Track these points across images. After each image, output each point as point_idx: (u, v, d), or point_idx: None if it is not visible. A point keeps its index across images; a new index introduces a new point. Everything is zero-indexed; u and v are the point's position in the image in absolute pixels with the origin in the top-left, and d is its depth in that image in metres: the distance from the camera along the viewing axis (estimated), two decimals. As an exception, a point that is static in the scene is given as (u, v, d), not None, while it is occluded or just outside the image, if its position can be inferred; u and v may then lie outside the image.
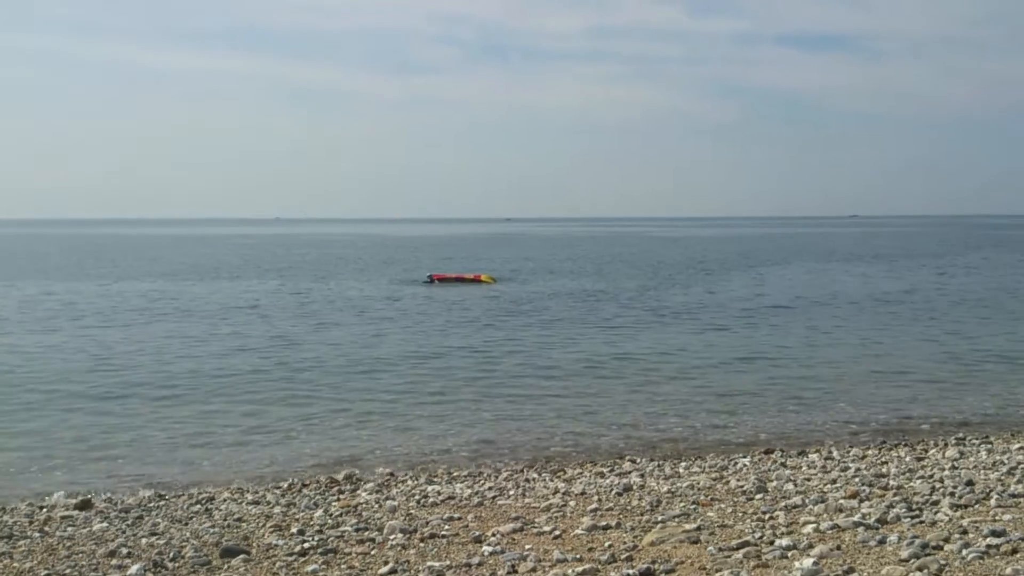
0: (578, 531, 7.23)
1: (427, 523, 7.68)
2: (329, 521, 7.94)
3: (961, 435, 11.88)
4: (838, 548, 6.36)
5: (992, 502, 7.61)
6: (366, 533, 7.41)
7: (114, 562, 6.83)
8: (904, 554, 6.11)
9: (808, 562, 6.01)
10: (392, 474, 10.52)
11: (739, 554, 6.32)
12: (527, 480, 9.77)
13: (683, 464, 10.48)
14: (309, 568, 6.55)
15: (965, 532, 6.58)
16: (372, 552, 6.90)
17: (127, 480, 10.40)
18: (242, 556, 6.89)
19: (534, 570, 6.31)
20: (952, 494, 7.99)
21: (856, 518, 7.11)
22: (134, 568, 6.62)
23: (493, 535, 7.22)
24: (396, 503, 8.66)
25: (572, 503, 8.34)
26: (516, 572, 6.31)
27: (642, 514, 7.79)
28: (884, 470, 9.48)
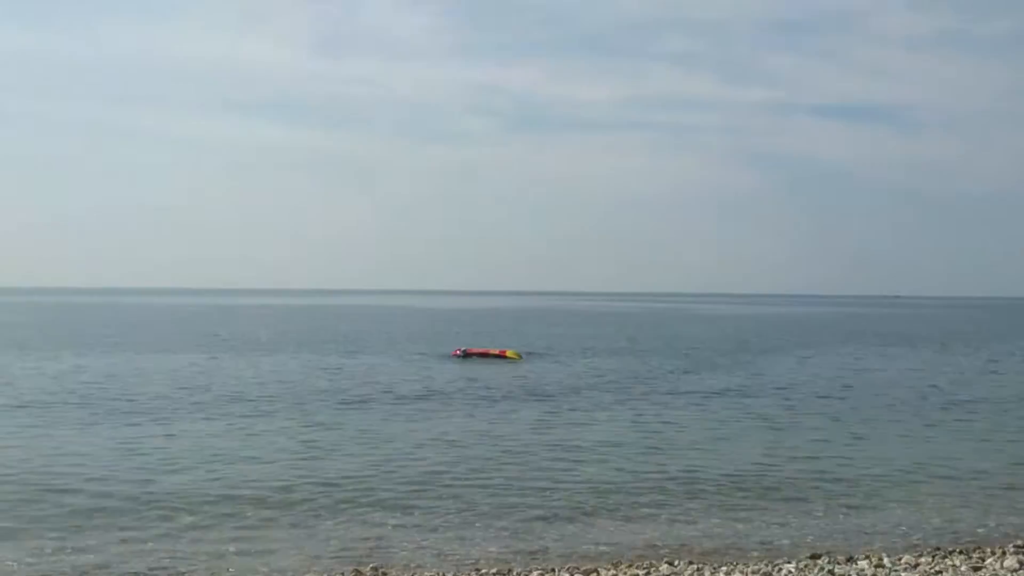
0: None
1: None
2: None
3: (1021, 543, 11.22)
4: None
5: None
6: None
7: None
8: None
9: None
10: (419, 568, 10.13)
11: None
12: (559, 582, 9.29)
13: (724, 568, 9.95)
14: None
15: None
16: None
17: (148, 559, 10.09)
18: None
19: None
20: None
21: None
22: None
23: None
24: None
25: (607, 614, 7.85)
26: None
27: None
28: (941, 583, 8.89)
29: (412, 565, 10.24)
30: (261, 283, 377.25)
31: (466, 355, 38.51)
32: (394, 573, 9.90)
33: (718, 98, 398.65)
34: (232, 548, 10.93)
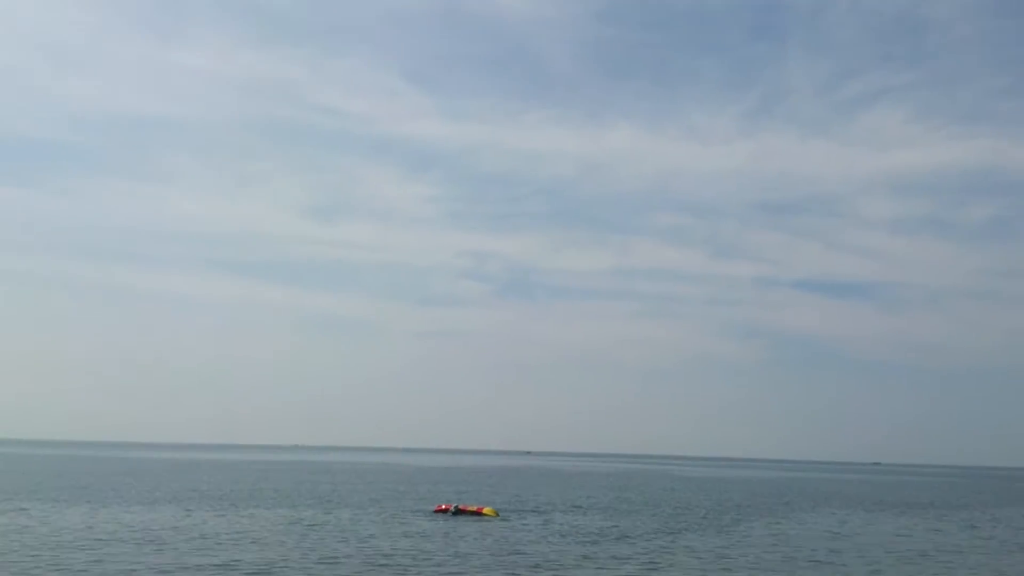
0: None
1: None
2: None
3: None
4: None
5: None
6: None
7: None
8: None
9: None
10: None
11: None
12: None
13: None
14: None
15: None
16: None
17: None
18: None
19: None
20: None
21: None
22: None
23: None
24: None
25: None
26: None
27: None
28: None
29: None
30: (247, 439, 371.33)
31: (456, 512, 38.23)
32: None
33: (706, 272, 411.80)
34: None
